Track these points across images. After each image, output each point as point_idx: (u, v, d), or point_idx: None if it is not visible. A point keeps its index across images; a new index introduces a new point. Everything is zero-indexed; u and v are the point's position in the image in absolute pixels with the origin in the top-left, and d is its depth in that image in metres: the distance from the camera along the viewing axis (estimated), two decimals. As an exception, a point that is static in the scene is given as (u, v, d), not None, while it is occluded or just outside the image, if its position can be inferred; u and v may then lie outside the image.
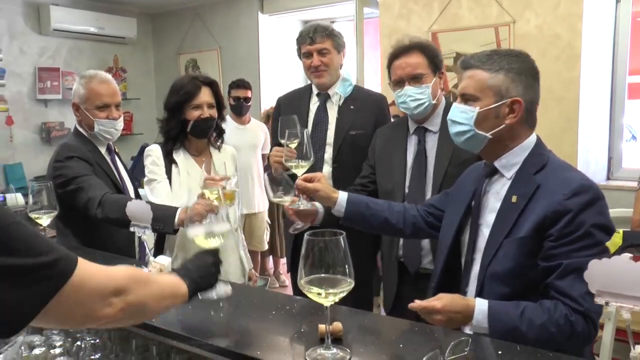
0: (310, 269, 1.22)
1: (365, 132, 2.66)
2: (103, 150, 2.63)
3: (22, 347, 1.84)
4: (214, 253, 1.46)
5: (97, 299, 1.03)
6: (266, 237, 5.14)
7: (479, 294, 1.62)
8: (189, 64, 6.96)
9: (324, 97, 2.84)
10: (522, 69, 1.64)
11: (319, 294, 1.23)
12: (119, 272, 1.10)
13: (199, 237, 1.56)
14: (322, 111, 2.84)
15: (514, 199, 1.61)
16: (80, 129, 2.61)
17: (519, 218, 1.57)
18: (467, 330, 1.58)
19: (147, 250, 1.88)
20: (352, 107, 2.78)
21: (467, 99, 1.67)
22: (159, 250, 2.50)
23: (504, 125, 1.63)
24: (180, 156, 2.52)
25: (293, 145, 2.10)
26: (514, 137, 1.65)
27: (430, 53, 2.27)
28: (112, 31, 6.58)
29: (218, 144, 2.68)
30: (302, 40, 2.81)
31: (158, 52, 7.34)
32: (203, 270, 1.38)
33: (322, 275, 1.23)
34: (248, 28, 6.33)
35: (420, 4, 4.70)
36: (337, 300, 1.25)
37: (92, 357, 1.78)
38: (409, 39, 2.32)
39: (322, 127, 2.81)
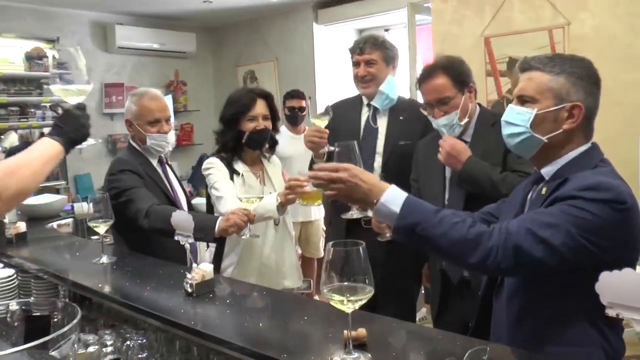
0: (332, 277, 1.26)
1: (413, 142, 2.66)
2: (155, 162, 2.74)
3: (76, 345, 1.95)
4: (81, 107, 1.60)
5: None
6: (322, 244, 5.19)
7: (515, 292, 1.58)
8: (247, 75, 7.13)
9: (374, 107, 2.87)
10: (585, 74, 1.57)
11: (341, 301, 1.26)
12: None
13: (59, 90, 1.64)
14: (372, 121, 2.86)
15: (543, 190, 1.58)
16: (134, 144, 2.73)
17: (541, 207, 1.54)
18: (369, 213, 1.65)
19: (189, 257, 1.95)
20: (401, 117, 2.80)
21: (524, 100, 1.61)
22: (218, 255, 2.59)
23: (561, 130, 1.56)
24: (240, 167, 2.59)
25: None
26: (569, 144, 1.58)
27: (454, 72, 2.26)
28: (172, 46, 6.83)
29: (268, 155, 2.75)
30: (353, 49, 2.88)
31: (217, 65, 7.55)
32: (72, 121, 1.54)
33: (345, 283, 1.26)
34: (303, 39, 6.43)
35: (472, 9, 4.65)
36: (357, 307, 1.28)
37: (140, 355, 1.87)
38: (435, 59, 2.35)
39: (372, 136, 2.83)
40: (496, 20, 4.50)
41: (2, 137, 5.95)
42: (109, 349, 1.95)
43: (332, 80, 6.51)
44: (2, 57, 5.56)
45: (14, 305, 2.36)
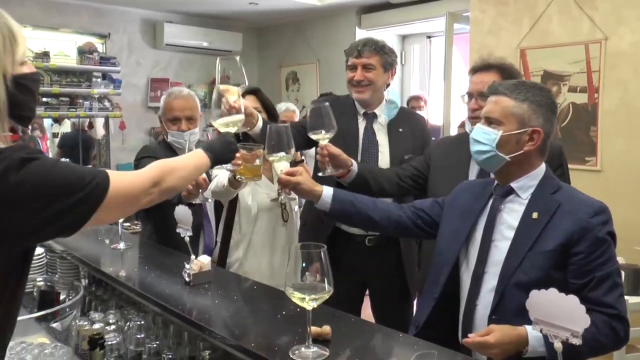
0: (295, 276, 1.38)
1: (415, 156, 2.60)
2: None
3: (81, 321, 2.11)
4: (234, 136, 1.82)
5: (140, 193, 1.37)
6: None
7: (498, 305, 1.70)
8: (290, 76, 7.27)
9: (371, 118, 2.72)
10: (545, 102, 1.77)
11: (302, 298, 1.37)
12: (152, 170, 1.45)
13: (220, 124, 1.80)
14: (370, 133, 2.72)
15: (534, 215, 1.73)
16: (165, 138, 2.90)
17: (542, 232, 1.69)
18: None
19: (190, 249, 2.08)
20: (400, 129, 2.71)
21: (490, 122, 1.78)
22: (224, 250, 2.65)
23: (522, 151, 1.76)
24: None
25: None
26: (529, 162, 1.79)
27: (507, 75, 2.25)
28: (219, 45, 7.00)
29: None
30: (350, 52, 2.71)
31: (261, 65, 7.72)
32: (224, 144, 1.74)
33: (307, 282, 1.37)
34: (345, 42, 6.46)
35: (509, 20, 4.65)
36: (315, 305, 1.39)
37: (138, 335, 2.03)
38: (494, 58, 2.37)
39: (372, 150, 2.70)
40: (533, 33, 4.50)
41: (59, 124, 6.32)
42: (112, 327, 2.11)
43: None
44: (58, 51, 5.85)
45: (39, 281, 2.58)
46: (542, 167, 1.82)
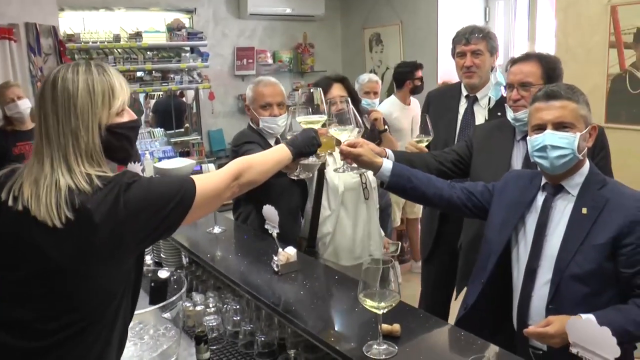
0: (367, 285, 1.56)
1: None
2: (272, 142, 3.05)
3: (187, 303, 2.39)
4: (315, 130, 2.01)
5: (223, 189, 1.61)
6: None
7: (554, 295, 1.83)
8: (373, 37, 7.26)
9: (472, 100, 2.95)
10: (587, 100, 1.89)
11: (373, 306, 1.55)
12: (233, 166, 1.68)
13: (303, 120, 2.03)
14: (469, 114, 2.95)
15: (584, 210, 1.83)
16: (253, 125, 3.03)
17: (593, 227, 1.80)
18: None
19: (274, 236, 2.30)
20: (499, 113, 2.81)
21: (564, 126, 1.85)
22: (314, 226, 2.88)
23: (586, 149, 1.87)
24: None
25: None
26: (584, 158, 1.90)
27: (547, 65, 2.34)
28: (301, 10, 7.09)
29: None
30: (457, 40, 2.95)
31: (345, 27, 7.74)
32: (306, 139, 1.94)
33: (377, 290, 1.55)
34: (428, 3, 6.42)
35: (601, -26, 4.44)
36: (385, 311, 1.55)
37: (234, 318, 2.28)
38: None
39: (468, 130, 2.90)
40: (627, -13, 4.30)
41: (152, 99, 6.73)
42: (212, 309, 2.37)
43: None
44: (149, 28, 6.16)
45: (148, 260, 2.88)
46: (587, 163, 1.92)
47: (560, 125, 1.85)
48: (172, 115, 6.80)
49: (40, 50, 4.91)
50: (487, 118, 2.87)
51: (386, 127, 3.70)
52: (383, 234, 3.04)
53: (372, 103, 4.52)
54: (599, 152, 2.29)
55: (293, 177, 2.22)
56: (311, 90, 2.07)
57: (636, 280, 1.73)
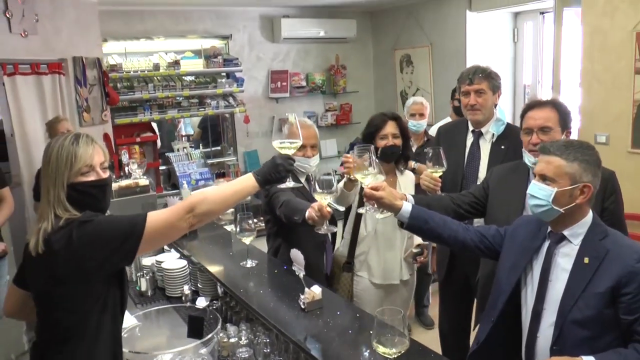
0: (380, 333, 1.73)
1: None
2: (303, 179, 3.22)
3: (222, 334, 2.58)
4: (284, 157, 2.14)
5: (175, 221, 1.84)
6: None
7: (558, 337, 1.98)
8: (403, 59, 7.42)
9: (477, 135, 3.16)
10: (592, 160, 1.99)
11: (385, 352, 1.73)
12: (187, 199, 1.90)
13: (277, 145, 2.22)
14: (475, 147, 3.17)
15: (586, 260, 1.96)
16: None
17: (594, 276, 1.93)
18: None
19: (301, 277, 2.50)
20: (502, 146, 3.05)
21: (545, 178, 2.01)
22: (353, 243, 3.26)
23: (574, 204, 1.99)
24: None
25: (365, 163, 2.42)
26: (580, 213, 2.02)
27: (562, 110, 2.48)
28: (334, 33, 7.32)
29: (402, 168, 3.26)
30: (462, 80, 3.17)
31: (376, 48, 7.92)
32: (272, 167, 2.09)
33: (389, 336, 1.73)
34: (457, 25, 6.55)
35: (626, 1, 4.50)
36: (396, 357, 1.72)
37: (265, 350, 2.45)
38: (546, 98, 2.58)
39: (475, 162, 3.14)
40: (651, 14, 4.35)
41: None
42: (244, 341, 2.55)
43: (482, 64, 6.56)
44: (188, 56, 6.44)
45: (186, 289, 3.09)
46: (590, 215, 2.04)
47: (542, 178, 2.01)
48: (215, 130, 7.15)
49: (86, 82, 5.20)
50: (490, 153, 3.10)
51: (414, 165, 3.87)
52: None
53: (418, 124, 4.68)
54: (609, 196, 2.41)
55: (320, 232, 2.47)
56: (287, 115, 2.28)
57: (635, 326, 1.86)
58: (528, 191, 2.04)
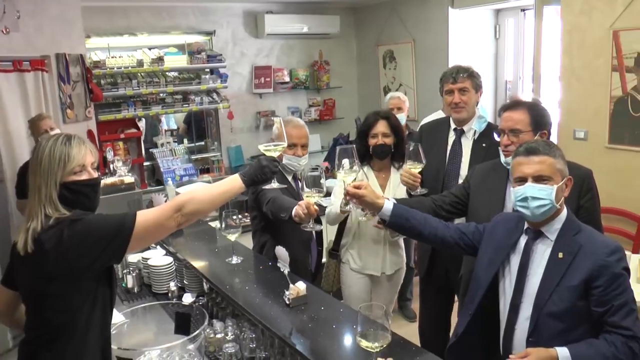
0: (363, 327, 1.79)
1: None
2: (290, 178, 3.30)
3: (209, 331, 2.62)
4: (269, 159, 2.19)
5: (164, 220, 1.88)
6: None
7: (534, 330, 2.06)
8: (387, 54, 7.46)
9: (459, 132, 3.23)
10: (563, 154, 2.10)
11: (368, 346, 1.79)
12: (176, 199, 1.94)
13: (263, 148, 2.26)
14: (457, 145, 3.24)
15: (560, 255, 2.05)
16: None
17: (567, 270, 2.02)
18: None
19: (286, 274, 2.55)
20: (484, 144, 3.12)
21: (543, 179, 2.07)
22: (339, 235, 3.41)
23: (563, 198, 2.09)
24: (364, 169, 3.19)
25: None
26: (561, 207, 2.12)
27: (535, 112, 2.55)
28: (317, 29, 7.32)
29: (398, 164, 3.32)
30: (445, 79, 3.24)
31: (359, 44, 7.96)
32: (258, 168, 2.14)
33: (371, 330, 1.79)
34: (439, 21, 6.60)
35: (603, 0, 4.58)
36: (379, 350, 1.78)
37: (251, 345, 2.50)
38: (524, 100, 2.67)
39: (456, 159, 3.21)
40: (628, 13, 4.43)
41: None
42: (231, 336, 2.60)
43: (464, 62, 6.62)
44: (171, 52, 6.43)
45: (172, 286, 3.12)
46: (565, 211, 2.14)
47: (539, 178, 2.07)
48: (199, 125, 7.15)
49: (69, 79, 5.19)
50: (471, 151, 3.17)
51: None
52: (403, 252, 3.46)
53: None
54: (585, 194, 2.48)
55: (306, 230, 2.55)
56: (272, 119, 2.38)
57: (606, 317, 1.95)
58: (528, 194, 2.06)
